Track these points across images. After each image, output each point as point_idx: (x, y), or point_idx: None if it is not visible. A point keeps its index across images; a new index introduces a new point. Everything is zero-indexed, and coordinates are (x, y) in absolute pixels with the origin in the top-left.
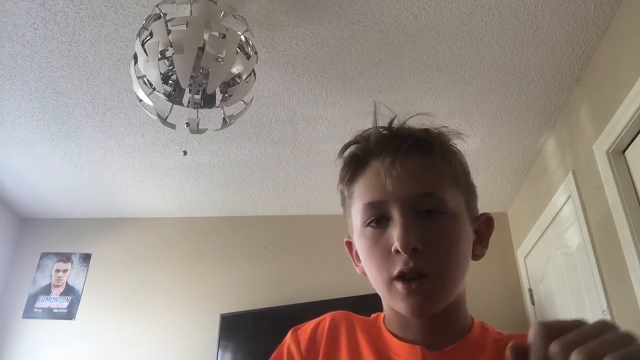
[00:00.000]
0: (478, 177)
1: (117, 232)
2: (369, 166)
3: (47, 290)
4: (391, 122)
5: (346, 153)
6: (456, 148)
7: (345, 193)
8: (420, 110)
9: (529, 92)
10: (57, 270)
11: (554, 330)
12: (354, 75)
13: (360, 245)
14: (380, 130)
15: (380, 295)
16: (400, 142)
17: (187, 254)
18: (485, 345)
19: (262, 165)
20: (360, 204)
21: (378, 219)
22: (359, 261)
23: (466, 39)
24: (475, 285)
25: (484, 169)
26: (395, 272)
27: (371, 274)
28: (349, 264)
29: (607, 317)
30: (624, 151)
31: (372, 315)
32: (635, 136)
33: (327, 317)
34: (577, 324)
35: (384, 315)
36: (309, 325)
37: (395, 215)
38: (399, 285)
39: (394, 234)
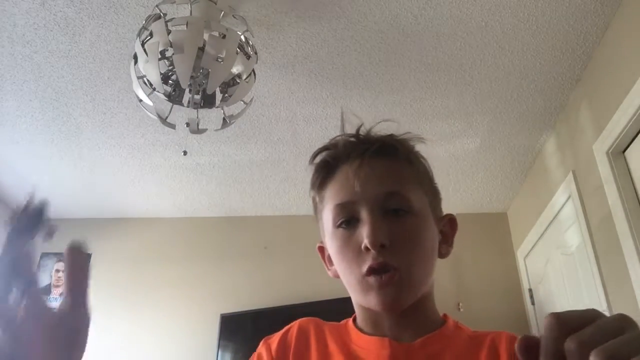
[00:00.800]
0: (478, 177)
1: (117, 232)
2: (338, 171)
3: (47, 291)
4: (358, 129)
5: (316, 160)
6: (419, 153)
7: (317, 198)
8: (420, 109)
9: (529, 92)
10: (57, 270)
11: (570, 324)
12: (354, 75)
13: (332, 246)
14: (348, 137)
15: (352, 294)
16: (366, 147)
17: (187, 254)
18: (455, 341)
19: (262, 165)
20: (330, 205)
21: (348, 220)
22: (331, 264)
23: (466, 39)
24: (475, 285)
25: (484, 169)
26: (366, 268)
27: (343, 272)
28: (328, 272)
29: None
30: (624, 151)
31: (342, 321)
32: (635, 136)
33: (295, 323)
34: (594, 316)
35: (354, 317)
36: (279, 333)
37: (364, 214)
38: (371, 280)
39: (363, 232)
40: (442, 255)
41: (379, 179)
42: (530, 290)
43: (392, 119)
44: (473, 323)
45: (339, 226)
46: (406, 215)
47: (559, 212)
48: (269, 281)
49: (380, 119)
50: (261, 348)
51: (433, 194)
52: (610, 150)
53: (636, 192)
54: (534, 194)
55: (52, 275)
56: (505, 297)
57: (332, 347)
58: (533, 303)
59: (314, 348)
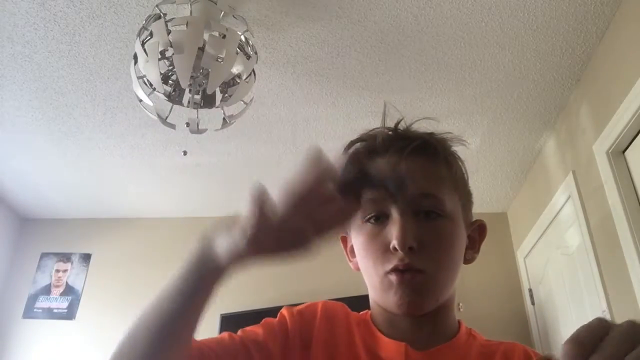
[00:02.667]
0: (478, 177)
1: (117, 232)
2: (373, 164)
3: (47, 291)
4: (397, 124)
5: (351, 150)
6: (457, 154)
7: None
8: (420, 109)
9: (529, 92)
10: (57, 270)
11: (587, 345)
12: (354, 75)
13: (357, 240)
14: (387, 130)
15: (371, 291)
16: (405, 144)
17: (187, 254)
18: (469, 351)
19: (262, 165)
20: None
21: (377, 215)
22: (353, 256)
23: (466, 39)
24: (475, 285)
25: (484, 169)
26: (390, 267)
27: (366, 268)
28: (349, 264)
29: (607, 317)
30: (624, 151)
31: (362, 312)
32: (635, 136)
33: (319, 303)
34: (605, 328)
35: (371, 313)
36: (303, 306)
37: (395, 213)
38: (392, 277)
39: (393, 232)
40: (467, 261)
41: (415, 179)
42: (530, 290)
43: (434, 117)
44: (473, 323)
45: (367, 221)
46: (438, 218)
47: (559, 212)
48: (269, 281)
49: (421, 115)
50: (285, 311)
51: (466, 198)
52: (610, 150)
53: (636, 192)
54: (534, 194)
55: (52, 275)
56: (505, 297)
57: (358, 340)
58: (533, 303)
59: (340, 335)
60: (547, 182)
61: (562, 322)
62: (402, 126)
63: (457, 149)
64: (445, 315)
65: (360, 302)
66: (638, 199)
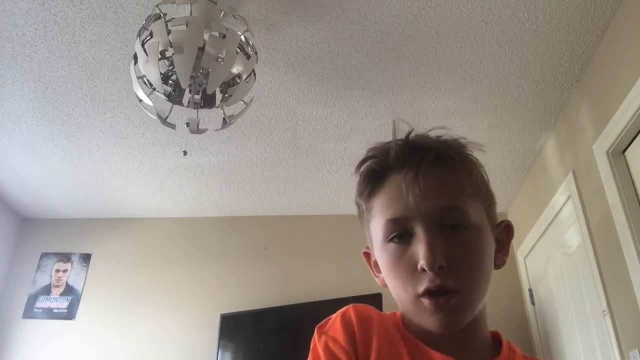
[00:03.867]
0: None
1: (117, 232)
2: (388, 180)
3: (47, 290)
4: (408, 135)
5: (363, 167)
6: (475, 158)
7: (364, 207)
8: (420, 109)
9: (529, 92)
10: (57, 270)
11: None
12: (354, 75)
13: (382, 260)
14: (399, 143)
15: (403, 310)
16: (421, 157)
17: (187, 254)
18: None
19: (262, 165)
20: (382, 219)
21: (401, 234)
22: (379, 272)
23: (466, 38)
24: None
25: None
26: (422, 289)
27: (395, 289)
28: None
29: (607, 317)
30: (624, 151)
31: (390, 314)
32: (635, 136)
33: (349, 308)
34: None
35: (402, 317)
36: (336, 321)
37: (419, 231)
38: (425, 302)
39: (420, 252)
40: (498, 266)
41: (436, 193)
42: (530, 290)
43: (447, 126)
44: None
45: (390, 240)
46: (464, 230)
47: (559, 212)
48: (269, 281)
49: (436, 124)
50: (326, 341)
51: (490, 202)
52: (610, 150)
53: (636, 192)
54: (534, 194)
55: (52, 275)
56: (505, 297)
57: (402, 350)
58: (533, 303)
59: (382, 346)
60: (547, 182)
61: (562, 322)
62: (412, 137)
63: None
64: (480, 322)
65: (359, 302)
66: (638, 199)
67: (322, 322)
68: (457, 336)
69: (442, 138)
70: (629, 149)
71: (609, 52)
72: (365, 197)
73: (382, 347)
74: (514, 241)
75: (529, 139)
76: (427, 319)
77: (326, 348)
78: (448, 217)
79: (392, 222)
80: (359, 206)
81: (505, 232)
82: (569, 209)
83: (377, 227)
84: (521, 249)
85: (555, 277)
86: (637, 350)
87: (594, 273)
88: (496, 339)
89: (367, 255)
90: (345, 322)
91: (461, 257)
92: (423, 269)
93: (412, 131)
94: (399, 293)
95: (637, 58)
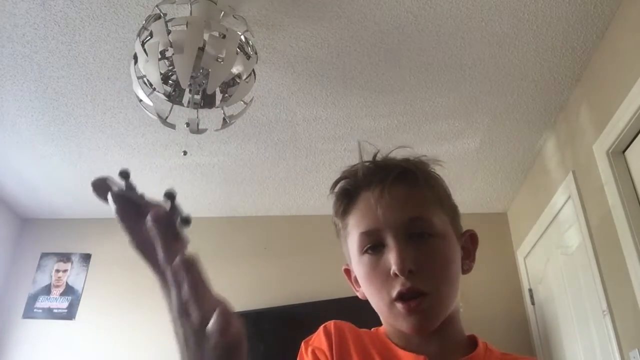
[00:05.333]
0: (478, 177)
1: (117, 232)
2: (359, 198)
3: (47, 291)
4: (375, 156)
5: (337, 188)
6: (436, 173)
7: (340, 225)
8: (420, 109)
9: (529, 92)
10: (57, 270)
11: None
12: (354, 75)
13: (359, 271)
14: (366, 164)
15: (381, 316)
16: (386, 174)
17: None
18: None
19: (262, 165)
20: (356, 233)
21: (374, 245)
22: (359, 286)
23: (466, 38)
24: (476, 286)
25: (484, 169)
26: (395, 293)
27: (372, 297)
28: (356, 293)
29: (607, 317)
30: (624, 151)
31: (372, 329)
32: (635, 136)
33: (330, 324)
34: None
35: (385, 330)
36: (319, 335)
37: (390, 241)
38: (399, 306)
39: (391, 259)
40: (465, 271)
41: (402, 205)
42: (530, 290)
43: (407, 144)
44: (473, 323)
45: (365, 252)
46: (430, 238)
47: (559, 212)
48: (269, 281)
49: (396, 144)
50: (312, 350)
51: (453, 212)
52: (610, 150)
53: (636, 192)
54: (534, 194)
55: (52, 276)
56: (505, 297)
57: (375, 354)
58: (533, 303)
59: (354, 352)
60: (547, 182)
61: (562, 322)
62: (379, 157)
63: (455, 147)
64: (453, 322)
65: (359, 302)
66: (638, 199)
67: (307, 338)
68: (431, 338)
69: (405, 157)
70: (629, 149)
71: (609, 52)
72: (340, 215)
73: (358, 351)
74: (514, 241)
75: (529, 139)
76: (402, 322)
77: (312, 353)
78: (414, 227)
79: (365, 235)
80: (335, 225)
81: (470, 241)
82: (569, 209)
83: (353, 242)
84: (521, 249)
85: (555, 277)
86: (637, 350)
87: (594, 273)
88: (472, 341)
89: (348, 271)
90: (326, 332)
91: (429, 261)
92: (395, 274)
93: (377, 152)
94: (377, 301)
95: (637, 58)
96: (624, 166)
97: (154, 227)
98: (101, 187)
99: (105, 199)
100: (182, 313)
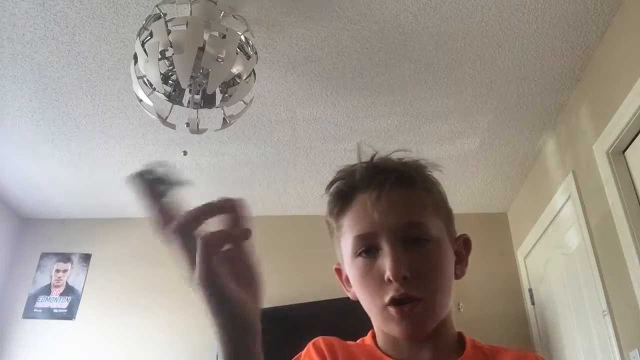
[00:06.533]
0: (478, 177)
1: (117, 232)
2: (355, 200)
3: (47, 291)
4: (373, 157)
5: (332, 188)
6: (434, 177)
7: (334, 225)
8: (420, 109)
9: (529, 92)
10: (57, 271)
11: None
12: (354, 75)
13: (352, 274)
14: (364, 165)
15: (373, 320)
16: (384, 177)
17: None
18: None
19: (262, 165)
20: (350, 235)
21: (368, 249)
22: (350, 286)
23: (466, 39)
24: (476, 286)
25: (484, 169)
26: (388, 298)
27: (364, 300)
28: (347, 293)
29: (607, 317)
30: (624, 151)
31: (358, 341)
32: (635, 136)
33: (318, 339)
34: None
35: (375, 337)
36: (308, 348)
37: (385, 246)
38: (392, 310)
39: (386, 264)
40: (458, 276)
41: (398, 210)
42: (530, 290)
43: (407, 145)
44: (473, 323)
45: (358, 255)
46: (425, 243)
47: (559, 212)
48: (268, 281)
49: (396, 144)
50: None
51: (448, 218)
52: (610, 150)
53: (636, 192)
54: (534, 194)
55: (52, 276)
56: (505, 297)
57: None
58: (533, 303)
59: (341, 357)
60: (547, 182)
61: (562, 322)
62: (377, 159)
63: (455, 147)
64: (445, 328)
65: (359, 302)
66: (638, 199)
67: (297, 355)
68: (423, 345)
69: (403, 160)
70: (629, 149)
71: (609, 52)
72: (334, 215)
73: None
74: (514, 241)
75: (529, 139)
76: (394, 327)
77: None
78: (410, 232)
79: (359, 238)
80: (329, 225)
81: (463, 246)
82: (569, 209)
83: (346, 244)
84: (521, 249)
85: (555, 277)
86: (637, 350)
87: (594, 273)
88: (461, 339)
89: (339, 271)
90: (317, 348)
91: (423, 268)
92: (389, 280)
93: (376, 154)
94: (369, 304)
95: (637, 58)
96: (624, 166)
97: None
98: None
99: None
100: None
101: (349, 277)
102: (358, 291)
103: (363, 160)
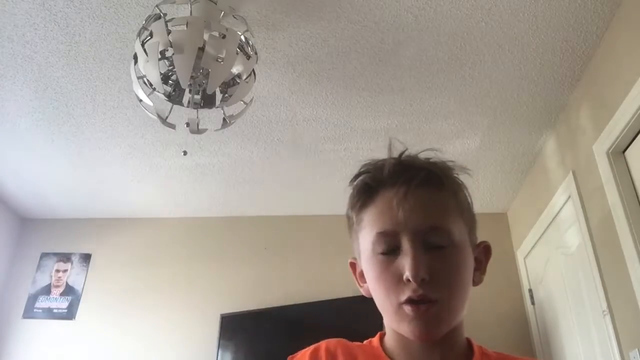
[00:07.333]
0: (478, 177)
1: (117, 232)
2: (379, 195)
3: (47, 291)
4: (401, 154)
5: (357, 181)
6: (461, 180)
7: (354, 218)
8: (420, 109)
9: (529, 92)
10: (57, 270)
11: None
12: (354, 75)
13: (369, 270)
14: (393, 162)
15: (386, 319)
16: (412, 175)
17: (187, 254)
18: None
19: (262, 165)
20: (371, 232)
21: (388, 247)
22: (363, 282)
23: (466, 39)
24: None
25: (484, 169)
26: (404, 298)
27: (379, 297)
28: (359, 289)
29: (607, 317)
30: (624, 151)
31: (365, 342)
32: (635, 136)
33: (322, 344)
34: None
35: (383, 340)
36: (306, 352)
37: (406, 245)
38: (407, 309)
39: (405, 264)
40: (475, 283)
41: (424, 211)
42: (530, 290)
43: (407, 144)
44: (473, 323)
45: (378, 253)
46: (447, 247)
47: (559, 212)
48: (269, 281)
49: (426, 146)
50: None
51: (472, 223)
52: (610, 150)
53: (636, 192)
54: (534, 194)
55: (52, 276)
56: (505, 297)
57: None
58: (533, 303)
59: None
60: (547, 182)
61: (562, 322)
62: (405, 156)
63: (455, 147)
64: (457, 334)
65: (359, 302)
66: (638, 199)
67: (294, 354)
68: (433, 350)
69: (432, 160)
70: (629, 149)
71: (609, 52)
72: (357, 209)
73: None
74: (514, 241)
75: (529, 139)
76: (407, 327)
77: None
78: (433, 235)
79: (381, 235)
80: (349, 218)
81: (483, 252)
82: (569, 209)
83: (366, 239)
84: (521, 249)
85: (555, 277)
86: (637, 350)
87: (594, 273)
88: (469, 345)
89: (353, 265)
90: (314, 357)
91: (443, 271)
92: (408, 280)
93: (405, 151)
94: (383, 301)
95: (637, 58)
96: (624, 166)
97: None
98: None
99: None
100: None
101: (364, 273)
102: (374, 287)
103: (392, 155)
